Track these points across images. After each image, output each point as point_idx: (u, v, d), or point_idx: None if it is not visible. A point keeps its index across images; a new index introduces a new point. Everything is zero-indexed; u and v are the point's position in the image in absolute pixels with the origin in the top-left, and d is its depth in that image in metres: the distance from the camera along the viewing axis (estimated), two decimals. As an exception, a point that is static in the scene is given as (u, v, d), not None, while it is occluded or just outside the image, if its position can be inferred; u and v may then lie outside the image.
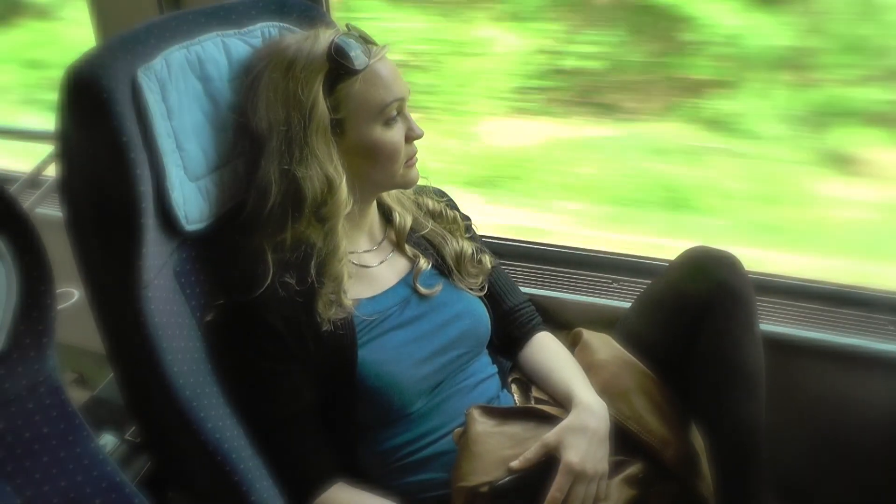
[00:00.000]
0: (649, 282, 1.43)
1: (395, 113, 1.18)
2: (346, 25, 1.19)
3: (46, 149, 1.82)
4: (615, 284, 1.60)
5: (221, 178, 1.19)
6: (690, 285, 1.27)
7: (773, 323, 1.48)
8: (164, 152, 1.07)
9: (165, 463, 1.12)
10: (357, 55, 1.14)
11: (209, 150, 1.16)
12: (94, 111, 0.98)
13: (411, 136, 1.20)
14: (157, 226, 1.08)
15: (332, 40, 1.14)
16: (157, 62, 1.07)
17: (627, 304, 1.45)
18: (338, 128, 1.16)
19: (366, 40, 1.17)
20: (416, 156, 1.23)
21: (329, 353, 1.16)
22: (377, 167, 1.20)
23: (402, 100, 1.19)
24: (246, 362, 1.15)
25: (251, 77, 1.17)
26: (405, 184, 1.25)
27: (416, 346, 1.22)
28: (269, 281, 1.13)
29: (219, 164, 1.18)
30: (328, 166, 1.14)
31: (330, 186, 1.14)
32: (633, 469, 1.21)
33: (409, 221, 1.32)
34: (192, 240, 1.18)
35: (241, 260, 1.16)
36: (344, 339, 1.17)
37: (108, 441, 1.25)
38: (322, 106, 1.13)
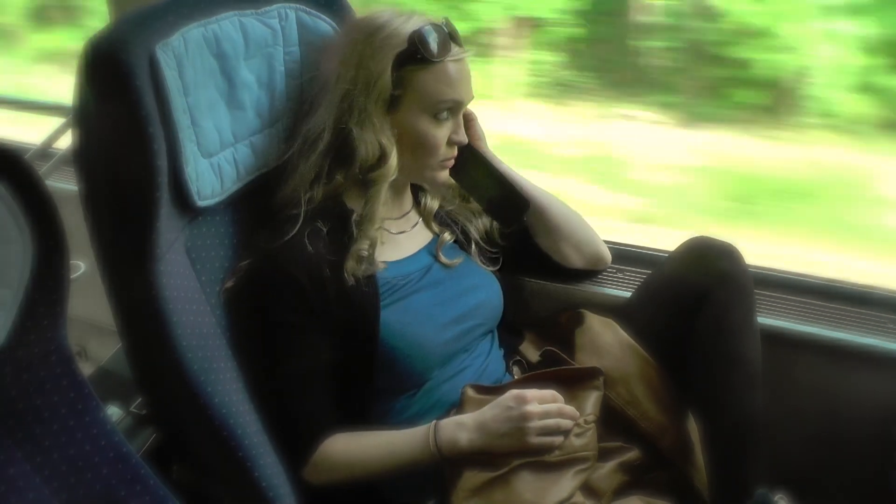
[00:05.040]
0: (650, 272, 1.44)
1: (446, 113, 1.21)
2: (444, 18, 1.22)
3: (56, 121, 1.82)
4: (619, 274, 1.61)
5: (234, 156, 1.20)
6: (691, 275, 1.29)
7: (770, 316, 1.49)
8: (181, 128, 1.07)
9: (171, 436, 1.13)
10: (435, 47, 1.17)
11: (223, 127, 1.17)
12: (114, 85, 0.99)
13: (454, 139, 1.24)
14: (171, 200, 1.09)
15: (421, 26, 1.18)
16: (175, 39, 1.07)
17: (629, 294, 1.46)
18: (394, 103, 1.19)
19: (453, 38, 1.21)
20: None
21: (352, 312, 1.18)
22: (414, 155, 1.23)
23: (459, 103, 1.22)
24: (265, 320, 1.17)
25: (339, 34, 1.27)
26: (431, 182, 1.30)
27: (439, 310, 1.25)
28: (296, 230, 1.17)
29: (231, 142, 1.19)
30: (382, 135, 1.19)
31: (382, 153, 1.20)
32: (630, 455, 1.22)
33: (437, 202, 1.36)
34: (203, 215, 1.19)
35: (275, 207, 1.21)
36: (367, 298, 1.19)
37: (113, 413, 1.24)
38: (387, 78, 1.17)
